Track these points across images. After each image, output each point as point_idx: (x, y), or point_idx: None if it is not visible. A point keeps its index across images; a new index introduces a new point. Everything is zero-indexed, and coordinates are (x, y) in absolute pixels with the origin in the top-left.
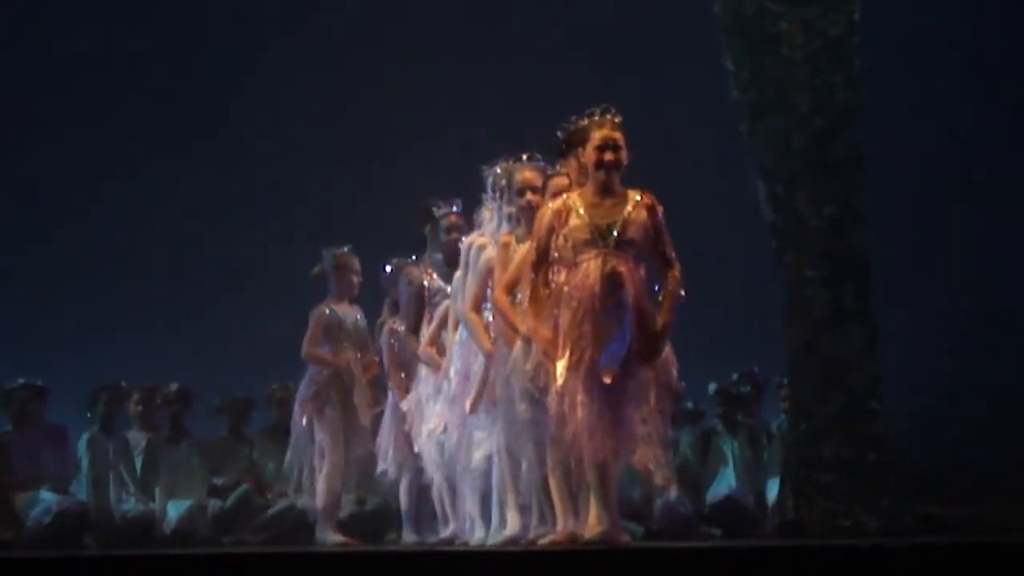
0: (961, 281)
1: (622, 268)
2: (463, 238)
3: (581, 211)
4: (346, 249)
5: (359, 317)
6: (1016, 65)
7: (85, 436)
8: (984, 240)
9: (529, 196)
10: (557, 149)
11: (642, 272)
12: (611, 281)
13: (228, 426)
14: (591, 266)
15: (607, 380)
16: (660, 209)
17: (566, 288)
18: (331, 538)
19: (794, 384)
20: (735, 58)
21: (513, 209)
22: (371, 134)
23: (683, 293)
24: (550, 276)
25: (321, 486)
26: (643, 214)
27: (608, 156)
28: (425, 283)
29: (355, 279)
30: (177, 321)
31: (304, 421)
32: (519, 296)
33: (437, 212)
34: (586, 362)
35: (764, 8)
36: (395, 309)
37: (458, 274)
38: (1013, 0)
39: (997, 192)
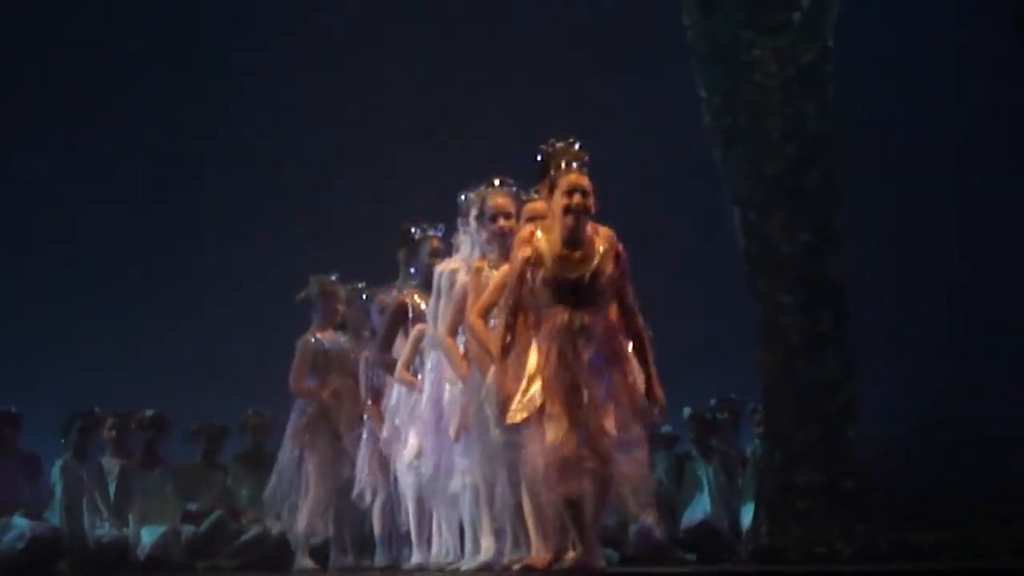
0: (940, 305)
1: (589, 320)
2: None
3: (549, 264)
4: (333, 277)
5: (344, 341)
6: (1003, 78)
7: (59, 462)
8: (965, 264)
9: (502, 222)
10: (536, 172)
11: (611, 315)
12: (582, 335)
13: (202, 452)
14: (559, 321)
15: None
16: (624, 256)
17: (536, 338)
18: (307, 563)
19: (769, 409)
20: (708, 84)
21: (486, 234)
22: (367, 149)
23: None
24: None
25: (305, 514)
26: (609, 265)
27: (576, 200)
28: (410, 307)
29: (340, 307)
30: (153, 347)
31: (296, 452)
32: (492, 321)
33: (417, 236)
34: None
35: (737, 35)
36: (371, 336)
37: (431, 301)
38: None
39: (982, 214)
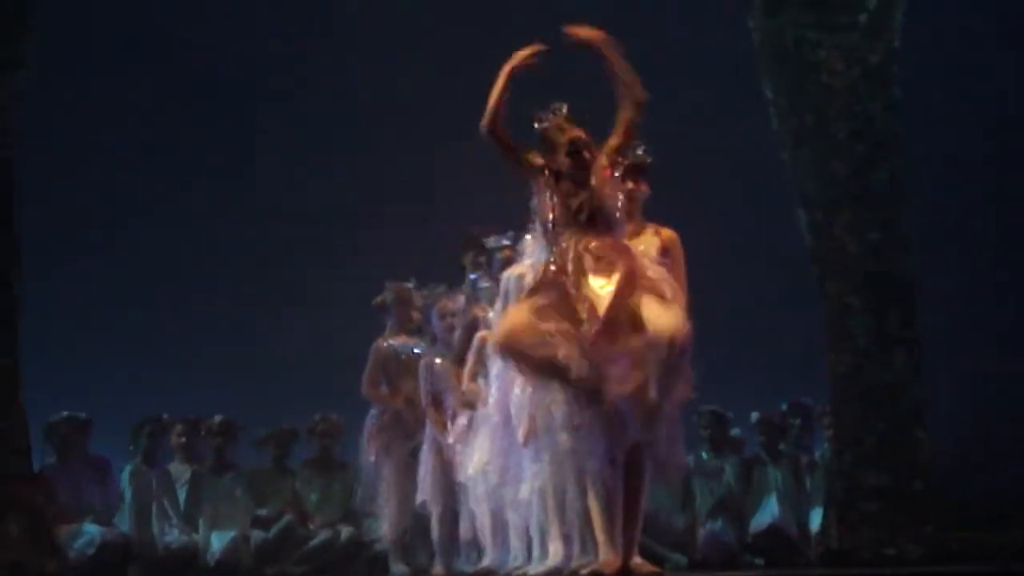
0: (1011, 305)
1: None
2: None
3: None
4: (409, 284)
5: (416, 349)
6: None
7: (128, 468)
8: None
9: None
10: None
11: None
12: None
13: (272, 457)
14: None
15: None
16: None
17: None
18: (401, 570)
19: (837, 411)
20: (774, 86)
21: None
22: (426, 164)
23: None
24: None
25: (390, 520)
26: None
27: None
28: (479, 316)
29: (415, 314)
30: (222, 352)
31: (372, 457)
32: None
33: (488, 244)
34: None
35: (803, 36)
36: (432, 341)
37: (498, 305)
38: None
39: None
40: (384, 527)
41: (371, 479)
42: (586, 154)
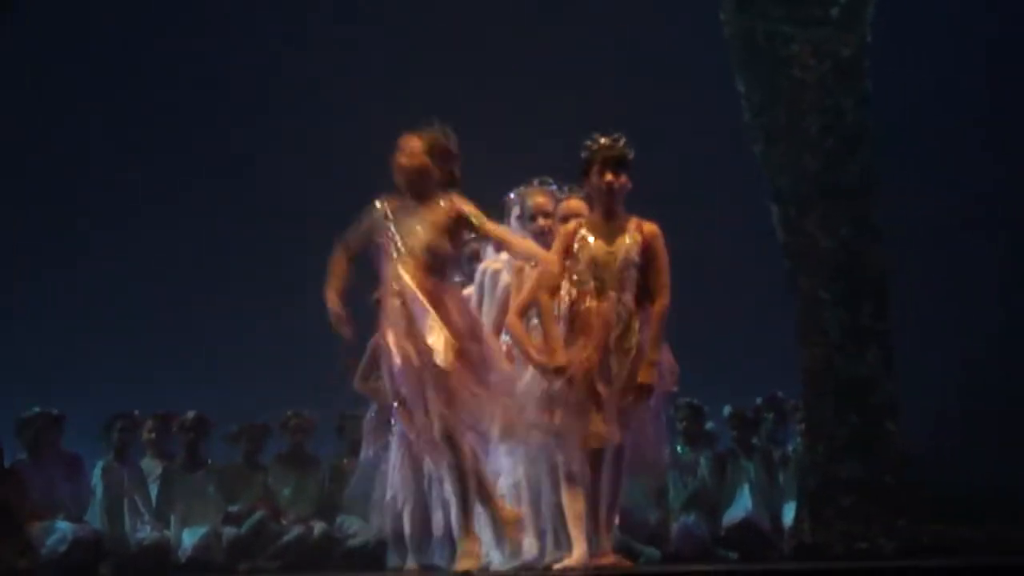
0: (984, 298)
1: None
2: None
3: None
4: None
5: None
6: None
7: (100, 464)
8: (1009, 256)
9: (541, 221)
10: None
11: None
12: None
13: (243, 453)
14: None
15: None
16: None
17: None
18: (396, 561)
19: (810, 405)
20: (746, 80)
21: (527, 234)
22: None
23: None
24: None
25: (383, 514)
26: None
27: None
28: None
29: None
30: (194, 348)
31: (370, 451)
32: (534, 320)
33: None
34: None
35: (775, 30)
36: None
37: (473, 298)
38: None
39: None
40: (375, 521)
41: (365, 473)
42: None
